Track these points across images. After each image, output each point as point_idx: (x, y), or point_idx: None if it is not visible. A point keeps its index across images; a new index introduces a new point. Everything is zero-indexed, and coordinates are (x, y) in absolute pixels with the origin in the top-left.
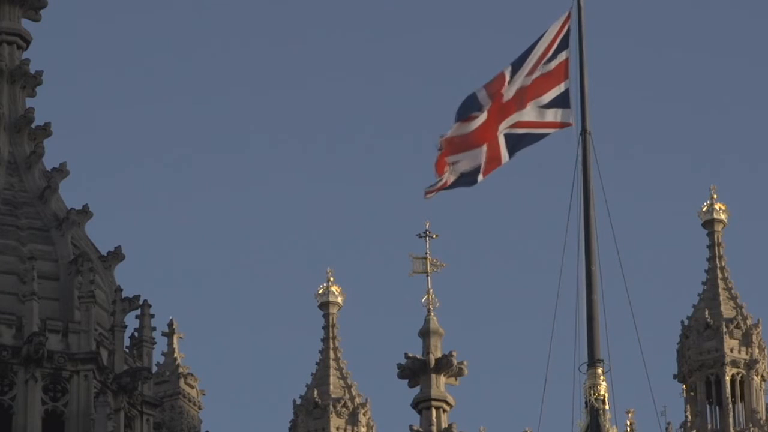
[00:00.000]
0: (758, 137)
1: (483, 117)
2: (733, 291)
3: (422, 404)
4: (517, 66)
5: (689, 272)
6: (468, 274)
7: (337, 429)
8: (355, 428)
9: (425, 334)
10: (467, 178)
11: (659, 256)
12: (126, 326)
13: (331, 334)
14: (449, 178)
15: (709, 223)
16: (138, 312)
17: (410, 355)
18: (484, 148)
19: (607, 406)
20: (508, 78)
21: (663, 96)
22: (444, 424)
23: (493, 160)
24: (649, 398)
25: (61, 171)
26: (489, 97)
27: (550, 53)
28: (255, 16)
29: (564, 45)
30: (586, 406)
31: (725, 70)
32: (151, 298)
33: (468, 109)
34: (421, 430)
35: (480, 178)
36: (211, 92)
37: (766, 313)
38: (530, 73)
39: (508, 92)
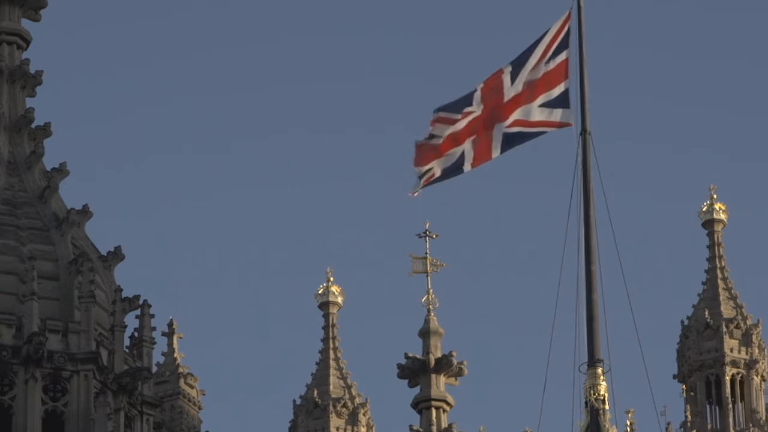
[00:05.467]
0: (758, 137)
1: (476, 113)
2: (733, 291)
3: (422, 404)
4: (517, 65)
5: (689, 272)
6: (468, 274)
7: (337, 429)
8: (355, 428)
9: (425, 334)
10: (454, 169)
11: (659, 256)
12: (126, 326)
13: (331, 334)
14: (435, 171)
15: (709, 223)
16: (138, 312)
17: (410, 355)
18: (475, 139)
19: (607, 406)
20: (508, 77)
21: (663, 96)
22: (444, 424)
23: (484, 152)
24: (649, 398)
25: (61, 171)
26: (485, 95)
27: (550, 53)
28: (254, 17)
29: (564, 45)
30: (586, 406)
31: (725, 71)
32: (151, 298)
33: (462, 104)
34: (421, 430)
35: (468, 167)
36: (211, 92)
37: (766, 313)
38: (530, 73)
39: (508, 92)
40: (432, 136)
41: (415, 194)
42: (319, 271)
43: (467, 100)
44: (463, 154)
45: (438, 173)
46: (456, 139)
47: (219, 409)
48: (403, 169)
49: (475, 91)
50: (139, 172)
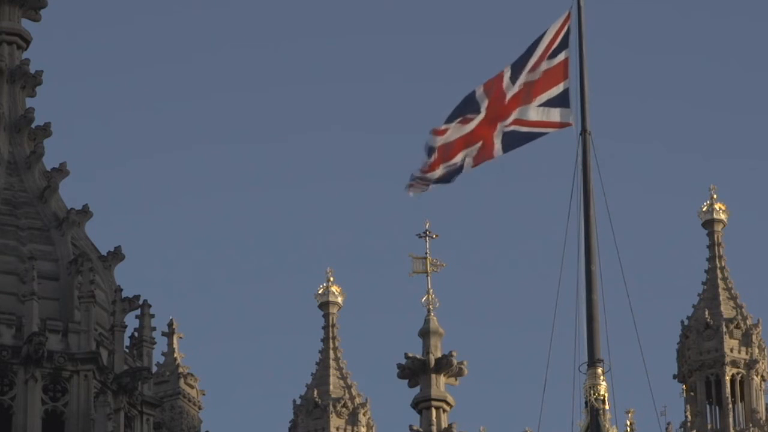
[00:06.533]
0: (758, 137)
1: (480, 117)
2: (733, 291)
3: (422, 404)
4: (517, 66)
5: (689, 272)
6: (468, 274)
7: (337, 429)
8: (355, 428)
9: (425, 334)
10: (456, 170)
11: (659, 256)
12: (126, 326)
13: (331, 334)
14: (436, 172)
15: (709, 223)
16: (138, 312)
17: (410, 355)
18: (479, 144)
19: (607, 406)
20: (508, 78)
21: (663, 96)
22: (444, 424)
23: (486, 153)
24: (649, 398)
25: (61, 171)
26: (486, 97)
27: (550, 53)
28: (254, 18)
29: (564, 45)
30: (586, 406)
31: (725, 71)
32: (151, 298)
33: (465, 109)
34: (421, 430)
35: (469, 167)
36: (210, 92)
37: (766, 313)
38: (530, 73)
39: (508, 92)
40: (435, 148)
41: (413, 192)
42: (319, 271)
43: (471, 105)
44: (464, 158)
45: (438, 175)
46: (461, 145)
47: (219, 409)
48: (403, 169)
49: (475, 93)
50: (139, 172)
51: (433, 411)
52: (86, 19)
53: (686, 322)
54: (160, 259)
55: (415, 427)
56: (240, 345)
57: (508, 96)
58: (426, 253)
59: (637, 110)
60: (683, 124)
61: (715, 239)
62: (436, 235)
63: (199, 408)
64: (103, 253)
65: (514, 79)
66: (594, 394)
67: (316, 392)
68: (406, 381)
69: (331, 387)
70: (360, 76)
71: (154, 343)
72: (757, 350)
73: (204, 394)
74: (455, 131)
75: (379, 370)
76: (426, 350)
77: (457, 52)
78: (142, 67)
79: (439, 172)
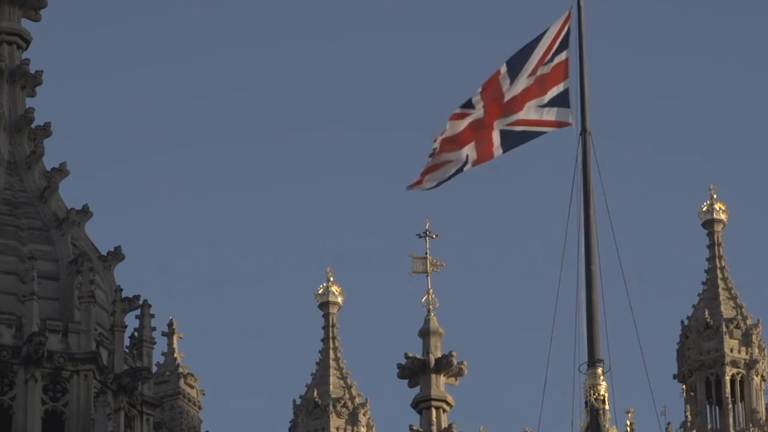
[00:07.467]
0: (758, 137)
1: (477, 114)
2: (733, 291)
3: (422, 404)
4: (515, 65)
5: (689, 272)
6: (468, 274)
7: (337, 429)
8: (355, 428)
9: (425, 334)
10: (455, 169)
11: (659, 256)
12: (126, 326)
13: (331, 334)
14: (436, 171)
15: (709, 223)
16: (138, 312)
17: (410, 355)
18: (478, 141)
19: (607, 406)
20: (506, 77)
21: (663, 96)
22: (444, 424)
23: (486, 153)
24: (649, 398)
25: (61, 171)
26: (484, 96)
27: (551, 54)
28: (254, 18)
29: (564, 45)
30: (586, 406)
31: (725, 71)
32: (151, 298)
33: (463, 107)
34: (421, 430)
35: (468, 167)
36: (210, 92)
37: (766, 313)
38: (531, 74)
39: (508, 93)
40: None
41: (411, 189)
42: (319, 271)
43: (466, 104)
44: (466, 156)
45: (439, 176)
46: (458, 142)
47: (219, 409)
48: (403, 169)
49: (472, 101)
50: (139, 172)
51: (433, 411)
52: (86, 19)
53: (686, 322)
54: (160, 259)
55: (415, 427)
56: (240, 345)
57: (508, 96)
58: (426, 253)
59: (637, 110)
60: (683, 124)
61: (715, 239)
62: (436, 235)
63: (199, 408)
64: (103, 253)
65: (513, 78)
66: (594, 394)
67: (316, 392)
68: (406, 381)
69: (331, 387)
70: (360, 76)
71: (154, 343)
72: (757, 350)
73: (204, 394)
74: (451, 129)
75: (379, 370)
76: (426, 350)
77: (457, 52)
78: (142, 67)
79: (438, 168)
